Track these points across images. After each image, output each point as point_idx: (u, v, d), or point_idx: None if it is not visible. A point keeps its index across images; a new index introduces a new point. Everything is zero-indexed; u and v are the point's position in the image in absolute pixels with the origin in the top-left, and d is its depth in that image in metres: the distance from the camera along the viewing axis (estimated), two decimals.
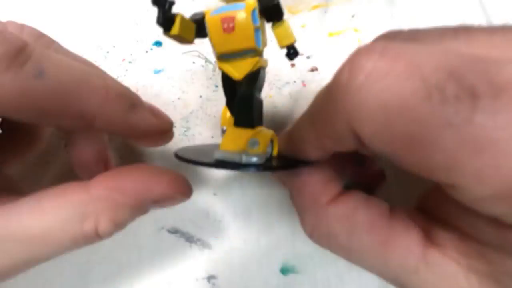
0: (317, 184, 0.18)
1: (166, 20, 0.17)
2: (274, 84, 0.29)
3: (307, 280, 0.23)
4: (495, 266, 0.13)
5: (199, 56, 0.30)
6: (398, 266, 0.15)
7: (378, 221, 0.16)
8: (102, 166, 0.21)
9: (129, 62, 0.31)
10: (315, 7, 0.33)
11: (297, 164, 0.18)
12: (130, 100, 0.18)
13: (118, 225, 0.17)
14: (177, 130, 0.28)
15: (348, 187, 0.18)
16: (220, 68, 0.19)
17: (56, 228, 0.16)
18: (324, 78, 0.29)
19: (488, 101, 0.10)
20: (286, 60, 0.31)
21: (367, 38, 0.31)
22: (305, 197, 0.18)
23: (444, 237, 0.15)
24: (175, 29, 0.17)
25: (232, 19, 0.17)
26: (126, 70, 0.31)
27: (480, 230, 0.13)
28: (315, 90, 0.29)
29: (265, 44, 0.19)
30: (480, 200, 0.11)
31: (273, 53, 0.31)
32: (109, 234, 0.17)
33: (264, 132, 0.19)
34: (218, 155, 0.18)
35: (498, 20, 0.31)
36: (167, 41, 0.32)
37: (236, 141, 0.18)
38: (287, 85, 0.29)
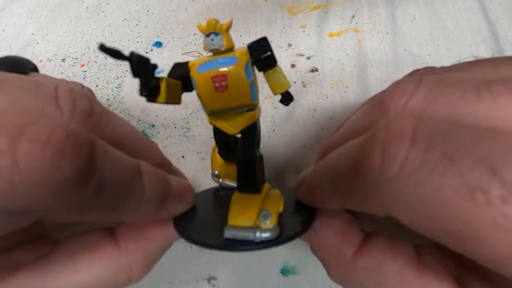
0: (337, 237, 0.17)
1: (151, 90, 0.15)
2: None
3: (307, 281, 0.23)
4: None
5: (199, 56, 0.30)
6: None
7: (408, 271, 0.15)
8: None
9: None
10: (315, 7, 0.33)
11: (309, 223, 0.17)
12: (161, 195, 0.17)
13: (149, 268, 0.18)
14: (177, 131, 0.28)
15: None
16: (211, 123, 0.17)
17: (91, 286, 0.16)
18: (324, 78, 0.29)
19: None
20: (286, 60, 0.31)
21: (367, 38, 0.31)
22: (328, 252, 0.17)
23: (478, 286, 0.14)
24: (162, 97, 0.15)
25: (225, 77, 0.15)
26: (126, 70, 0.31)
27: None
28: (315, 90, 0.29)
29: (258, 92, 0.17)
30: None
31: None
32: (142, 278, 0.18)
33: (272, 197, 0.17)
34: (228, 234, 0.16)
35: (495, 17, 0.31)
36: (167, 42, 0.33)
37: (245, 214, 0.16)
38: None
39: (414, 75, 0.16)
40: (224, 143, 0.19)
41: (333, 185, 0.15)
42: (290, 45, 0.31)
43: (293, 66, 0.30)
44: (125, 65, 0.31)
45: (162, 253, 0.19)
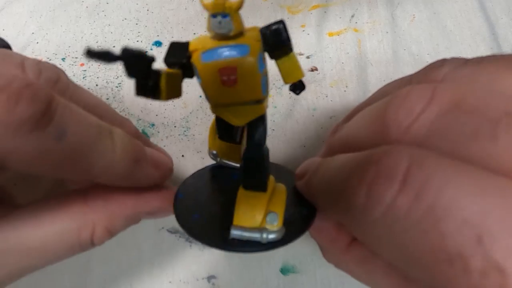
0: (334, 228, 0.18)
1: (150, 90, 0.13)
2: (274, 84, 0.29)
3: (307, 280, 0.23)
4: None
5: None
6: None
7: (393, 268, 0.15)
8: None
9: None
10: (315, 7, 0.33)
11: (311, 218, 0.17)
12: (134, 156, 0.17)
13: (112, 234, 0.18)
14: (177, 130, 0.28)
15: None
16: (214, 113, 0.16)
17: (55, 239, 0.16)
18: (324, 77, 0.29)
19: None
20: None
21: (367, 38, 0.31)
22: (323, 239, 0.18)
23: None
24: (163, 96, 0.13)
25: (234, 70, 0.13)
26: None
27: None
28: (315, 90, 0.29)
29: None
30: None
31: None
32: (103, 241, 0.17)
33: (278, 195, 0.17)
34: (234, 233, 0.15)
35: (495, 17, 0.31)
36: (167, 41, 0.33)
37: (252, 214, 0.15)
38: (287, 85, 0.29)
39: (432, 76, 0.14)
40: (227, 131, 0.17)
41: (327, 197, 0.16)
42: None
43: None
44: None
45: (126, 224, 0.18)
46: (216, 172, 0.20)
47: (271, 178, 0.17)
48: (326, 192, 0.16)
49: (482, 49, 0.30)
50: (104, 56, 0.11)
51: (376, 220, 0.11)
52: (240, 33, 0.13)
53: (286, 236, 0.16)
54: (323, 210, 0.17)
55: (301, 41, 0.31)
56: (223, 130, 0.17)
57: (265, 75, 0.14)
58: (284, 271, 0.24)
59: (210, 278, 0.24)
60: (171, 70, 0.14)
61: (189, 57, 0.14)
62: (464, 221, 0.09)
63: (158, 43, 0.32)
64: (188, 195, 0.18)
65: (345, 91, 0.29)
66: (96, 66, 0.31)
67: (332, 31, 0.32)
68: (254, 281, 0.24)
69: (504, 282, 0.09)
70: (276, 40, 0.14)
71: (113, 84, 0.30)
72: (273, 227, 0.15)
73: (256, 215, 0.15)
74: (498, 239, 0.09)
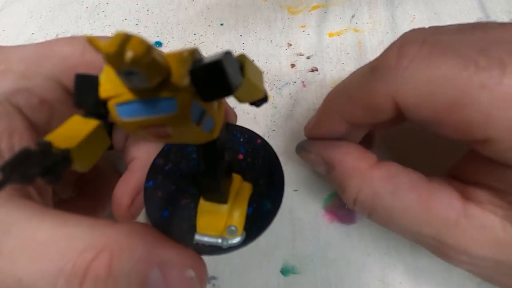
0: (357, 152, 0.19)
1: (57, 179, 0.10)
2: (274, 84, 0.29)
3: (307, 281, 0.23)
4: None
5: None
6: (441, 220, 0.16)
7: (419, 182, 0.17)
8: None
9: None
10: (315, 7, 0.33)
11: (268, 222, 0.16)
12: None
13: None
14: None
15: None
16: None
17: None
18: (324, 78, 0.29)
19: None
20: (285, 60, 0.31)
21: (367, 38, 0.31)
22: (348, 164, 0.19)
23: (479, 194, 0.16)
24: (83, 168, 0.11)
25: (163, 128, 0.11)
26: None
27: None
28: (315, 90, 0.29)
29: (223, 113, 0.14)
30: (511, 150, 0.13)
31: (273, 53, 0.31)
32: None
33: (238, 204, 0.17)
34: (198, 239, 0.16)
35: (495, 17, 0.31)
36: (167, 41, 0.33)
37: (212, 226, 0.16)
38: (287, 86, 0.29)
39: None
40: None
41: (347, 94, 0.18)
42: (290, 44, 0.31)
43: (293, 65, 0.30)
44: None
45: None
46: (179, 152, 0.19)
47: (237, 177, 0.17)
48: (343, 92, 0.18)
49: None
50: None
51: (406, 65, 0.15)
52: (163, 80, 0.10)
53: (248, 236, 0.16)
54: (336, 124, 0.18)
55: (301, 41, 0.31)
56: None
57: (206, 117, 0.12)
58: (285, 271, 0.24)
59: (210, 279, 0.24)
60: (88, 133, 0.11)
61: (102, 103, 0.11)
62: (470, 44, 0.14)
63: (158, 44, 0.32)
64: (157, 184, 0.18)
65: None
66: None
67: (333, 31, 0.31)
68: (255, 281, 0.24)
69: (504, 70, 0.13)
70: (208, 89, 0.10)
71: None
72: (233, 237, 0.16)
73: (217, 226, 0.16)
74: (493, 48, 0.14)
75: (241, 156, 0.19)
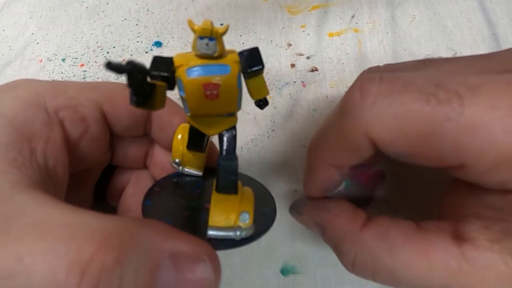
0: (347, 214, 0.19)
1: (144, 100, 0.14)
2: (274, 84, 0.29)
3: (307, 281, 0.23)
4: None
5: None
6: (443, 270, 0.16)
7: (411, 233, 0.17)
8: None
9: None
10: (315, 7, 0.33)
11: (272, 219, 0.18)
12: None
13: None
14: None
15: (348, 188, 0.19)
16: (189, 123, 0.17)
17: None
18: (324, 78, 0.29)
19: (470, 98, 0.14)
20: (285, 60, 0.31)
21: (367, 38, 0.31)
22: (340, 228, 0.19)
23: (471, 230, 0.16)
24: (157, 105, 0.15)
25: (217, 86, 0.15)
26: None
27: (497, 208, 0.15)
28: (315, 90, 0.29)
29: None
30: (485, 173, 0.14)
31: (273, 53, 0.31)
32: None
33: (247, 196, 0.18)
34: (211, 233, 0.17)
35: (495, 16, 0.31)
36: (167, 41, 0.33)
37: (226, 215, 0.17)
38: (287, 85, 0.29)
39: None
40: (198, 141, 0.18)
41: (325, 141, 0.18)
42: (290, 44, 0.31)
43: (292, 65, 0.30)
44: None
45: None
46: (179, 180, 0.21)
47: (239, 182, 0.19)
48: (322, 137, 0.19)
49: (482, 49, 0.30)
50: (119, 69, 0.12)
51: (371, 104, 0.15)
52: (221, 55, 0.15)
53: (256, 232, 0.17)
54: (326, 159, 0.18)
55: (301, 41, 0.31)
56: (194, 139, 0.18)
57: (241, 91, 0.16)
58: (285, 271, 0.24)
59: None
60: (161, 83, 0.15)
61: (173, 71, 0.15)
62: (427, 80, 0.15)
63: (158, 44, 0.32)
64: (156, 202, 0.19)
65: (345, 91, 0.29)
66: (96, 67, 0.31)
67: (332, 31, 0.32)
68: (255, 281, 0.24)
69: (462, 101, 0.14)
70: (252, 65, 0.16)
71: None
72: (246, 225, 0.17)
73: (230, 215, 0.17)
74: (447, 82, 0.15)
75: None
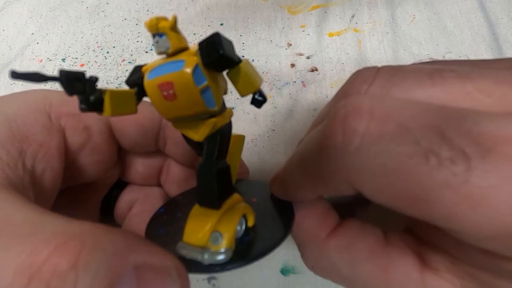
0: (316, 218, 0.18)
1: (92, 105, 0.13)
2: (274, 84, 0.29)
3: (307, 281, 0.23)
4: (486, 285, 0.14)
5: None
6: None
7: (376, 249, 0.16)
8: None
9: (129, 62, 0.31)
10: (315, 7, 0.33)
11: (275, 244, 0.16)
12: None
13: None
14: None
15: (334, 205, 0.18)
16: (176, 128, 0.16)
17: None
18: (324, 78, 0.29)
19: (479, 162, 0.11)
20: (285, 60, 0.31)
21: (367, 38, 0.31)
22: (305, 232, 0.18)
23: (437, 260, 0.15)
24: (107, 111, 0.14)
25: (171, 85, 0.13)
26: (126, 70, 0.31)
27: (472, 257, 0.14)
28: (315, 90, 0.29)
29: (225, 92, 0.16)
30: (476, 241, 0.12)
31: (273, 53, 0.31)
32: None
33: (232, 214, 0.16)
34: (181, 250, 0.15)
35: (495, 16, 0.31)
36: None
37: (198, 232, 0.15)
38: (287, 85, 0.29)
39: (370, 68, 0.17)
40: (197, 147, 0.17)
41: (303, 171, 0.16)
42: (290, 44, 0.31)
43: (292, 65, 0.30)
44: (125, 65, 0.31)
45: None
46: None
47: (236, 197, 0.17)
48: (300, 166, 0.16)
49: (482, 49, 0.30)
50: (32, 77, 0.12)
51: (355, 151, 0.12)
52: (182, 49, 0.14)
53: (234, 258, 0.15)
54: (302, 194, 0.17)
55: (301, 41, 0.31)
56: (193, 146, 0.17)
57: (207, 87, 0.14)
58: (285, 271, 0.24)
59: (210, 279, 0.24)
60: (120, 90, 0.14)
61: (142, 77, 0.14)
62: (427, 126, 0.12)
63: None
64: (168, 211, 0.18)
65: None
66: (96, 67, 0.31)
67: (332, 31, 0.32)
68: (255, 281, 0.24)
69: (469, 165, 0.11)
70: (209, 54, 0.14)
71: (113, 85, 0.30)
72: (216, 248, 0.15)
73: (202, 234, 0.15)
74: (455, 132, 0.11)
75: (254, 199, 0.19)
